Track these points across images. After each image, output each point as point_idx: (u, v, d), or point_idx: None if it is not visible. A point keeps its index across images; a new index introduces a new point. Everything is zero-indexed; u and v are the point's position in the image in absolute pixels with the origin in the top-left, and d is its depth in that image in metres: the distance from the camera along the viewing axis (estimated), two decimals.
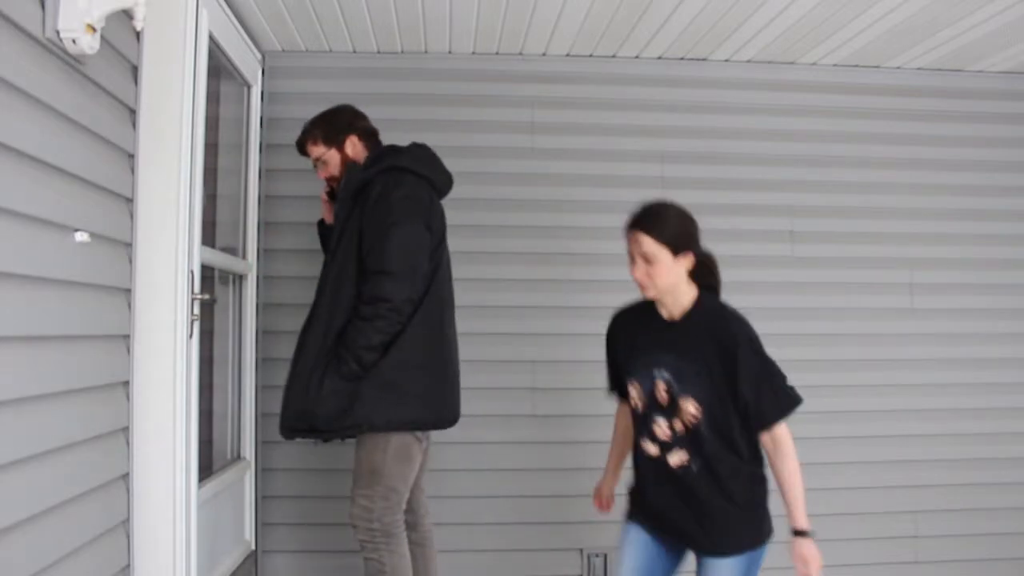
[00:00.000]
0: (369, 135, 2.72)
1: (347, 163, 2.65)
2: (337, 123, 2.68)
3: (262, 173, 3.30)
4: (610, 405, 3.38)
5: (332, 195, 2.75)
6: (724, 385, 2.00)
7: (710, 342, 2.01)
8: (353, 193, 2.54)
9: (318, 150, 2.67)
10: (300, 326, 3.24)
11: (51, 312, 1.74)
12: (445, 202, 2.73)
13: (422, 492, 2.74)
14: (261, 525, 3.23)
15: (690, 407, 2.02)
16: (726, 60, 3.51)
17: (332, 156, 2.66)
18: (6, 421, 1.55)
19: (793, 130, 3.54)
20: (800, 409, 3.48)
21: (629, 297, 3.43)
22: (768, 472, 2.07)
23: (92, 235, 1.88)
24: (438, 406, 2.57)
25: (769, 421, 2.01)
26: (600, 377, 3.38)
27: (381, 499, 2.47)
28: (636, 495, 2.21)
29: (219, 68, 2.92)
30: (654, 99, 3.50)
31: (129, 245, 2.18)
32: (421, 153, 2.65)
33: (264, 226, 3.30)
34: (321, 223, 2.85)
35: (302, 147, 2.73)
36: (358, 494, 2.50)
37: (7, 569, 1.53)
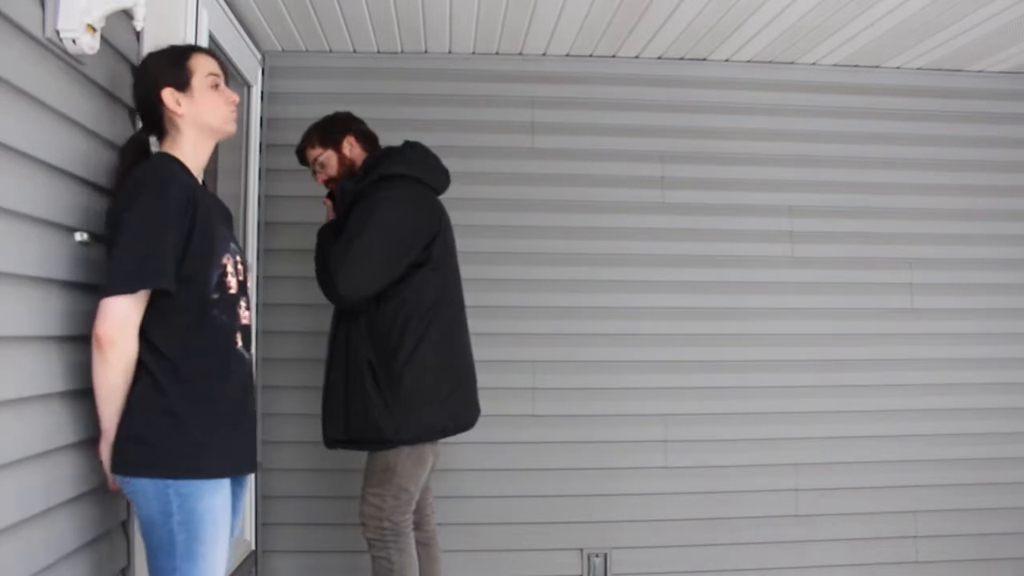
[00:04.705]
0: (367, 138, 2.73)
1: (345, 164, 2.67)
2: (334, 125, 2.71)
3: (262, 173, 3.30)
4: (610, 404, 3.40)
5: (332, 196, 2.75)
6: None
7: None
8: (349, 205, 2.56)
9: (315, 151, 2.69)
10: (300, 326, 3.26)
11: (51, 312, 1.74)
12: (446, 203, 2.73)
13: (429, 492, 2.75)
14: (261, 525, 3.23)
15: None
16: (726, 60, 3.51)
17: (330, 157, 2.68)
18: (6, 421, 1.55)
19: (793, 130, 3.54)
20: (801, 409, 3.46)
21: (629, 296, 3.47)
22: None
23: (92, 235, 1.88)
24: (460, 411, 2.60)
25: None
26: (599, 377, 3.41)
27: (392, 498, 2.48)
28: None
29: None
30: (654, 99, 3.50)
31: None
32: (414, 155, 2.65)
33: (264, 226, 3.30)
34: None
35: (301, 153, 2.75)
36: (369, 492, 2.51)
37: (5, 570, 1.52)
